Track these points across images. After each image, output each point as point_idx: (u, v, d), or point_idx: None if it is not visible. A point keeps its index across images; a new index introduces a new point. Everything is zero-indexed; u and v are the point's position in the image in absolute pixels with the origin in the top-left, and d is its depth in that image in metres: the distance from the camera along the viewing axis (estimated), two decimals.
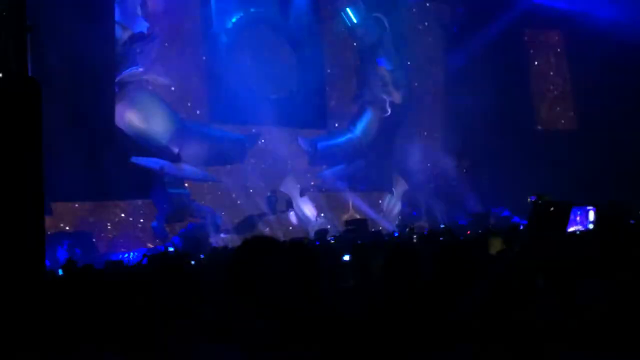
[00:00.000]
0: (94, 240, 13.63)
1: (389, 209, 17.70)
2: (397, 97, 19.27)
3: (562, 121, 22.16)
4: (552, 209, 1.21)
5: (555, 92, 22.27)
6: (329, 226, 16.21)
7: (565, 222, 1.22)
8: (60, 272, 5.41)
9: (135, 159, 14.43)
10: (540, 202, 1.22)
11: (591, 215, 1.19)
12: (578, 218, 1.19)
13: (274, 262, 1.76)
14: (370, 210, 17.79)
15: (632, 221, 6.76)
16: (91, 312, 2.00)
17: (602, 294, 1.14)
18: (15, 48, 2.66)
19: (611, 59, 19.88)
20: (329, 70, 18.91)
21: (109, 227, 14.30)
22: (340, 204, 17.75)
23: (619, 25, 17.43)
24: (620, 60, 19.94)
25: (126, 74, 14.36)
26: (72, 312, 2.06)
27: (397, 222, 17.14)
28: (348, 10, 19.06)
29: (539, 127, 21.55)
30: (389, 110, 19.13)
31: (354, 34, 19.30)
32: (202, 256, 9.25)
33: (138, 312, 1.53)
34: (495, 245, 4.67)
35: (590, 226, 1.18)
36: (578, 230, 1.19)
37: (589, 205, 1.21)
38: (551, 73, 22.31)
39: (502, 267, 1.26)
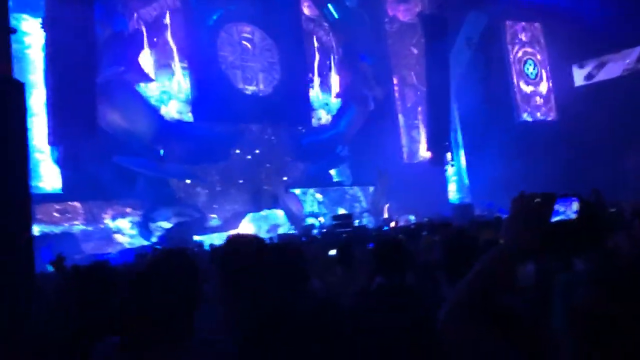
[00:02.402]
0: (78, 240, 13.52)
1: (375, 203, 17.79)
2: (379, 92, 19.37)
3: (543, 113, 22.44)
4: (536, 200, 1.27)
5: (534, 84, 22.54)
6: (315, 221, 16.27)
7: (549, 213, 1.28)
8: (50, 268, 5.34)
9: (119, 159, 14.33)
10: (523, 193, 1.27)
11: (575, 206, 1.23)
12: (562, 209, 1.23)
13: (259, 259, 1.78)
14: (356, 205, 17.87)
15: (612, 210, 6.92)
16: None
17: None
18: None
19: (591, 52, 20.24)
20: (312, 66, 18.94)
21: (93, 228, 14.20)
22: (326, 199, 17.81)
23: (600, 18, 17.69)
24: (601, 53, 20.32)
25: (107, 73, 14.23)
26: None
27: (382, 217, 17.24)
28: (330, 5, 19.08)
29: (520, 119, 21.81)
30: (372, 105, 19.22)
31: (336, 29, 19.33)
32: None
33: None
34: (484, 236, 4.78)
35: (573, 216, 1.22)
36: (561, 220, 1.24)
37: (573, 196, 1.25)
38: (531, 64, 22.56)
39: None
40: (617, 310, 0.94)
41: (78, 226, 13.95)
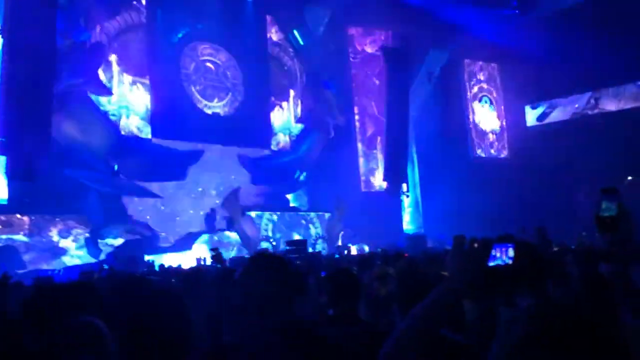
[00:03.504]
0: (20, 255, 13.00)
1: (330, 230, 17.85)
2: (340, 120, 19.63)
3: (496, 150, 23.18)
4: (475, 245, 1.35)
5: (489, 122, 23.30)
6: (269, 246, 16.16)
7: (486, 257, 1.36)
8: None
9: (71, 172, 13.95)
10: (463, 237, 1.35)
11: (510, 252, 1.32)
12: (498, 254, 1.32)
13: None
14: (311, 231, 17.88)
15: (555, 249, 7.15)
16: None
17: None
18: None
19: (544, 94, 21.15)
20: (274, 90, 19.03)
21: (38, 241, 13.69)
22: (282, 224, 17.75)
23: (553, 63, 18.57)
24: (553, 96, 21.25)
25: (66, 84, 13.94)
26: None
27: (337, 244, 17.29)
28: (295, 32, 19.32)
29: (474, 155, 22.44)
30: (333, 133, 19.44)
31: (300, 56, 19.56)
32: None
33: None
34: (435, 269, 4.88)
35: (509, 261, 1.31)
36: (497, 264, 1.32)
37: (509, 242, 1.34)
38: (487, 102, 23.35)
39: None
40: (548, 348, 1.01)
41: (21, 238, 13.42)
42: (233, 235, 16.22)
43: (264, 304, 1.70)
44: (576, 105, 21.42)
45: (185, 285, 4.14)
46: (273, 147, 18.79)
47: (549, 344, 1.01)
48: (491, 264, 1.38)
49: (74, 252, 14.07)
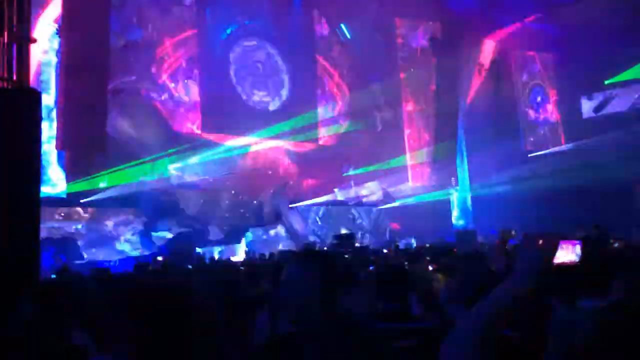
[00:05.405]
0: (79, 247, 13.51)
1: (377, 224, 17.76)
2: (388, 114, 19.44)
3: (549, 142, 22.44)
4: (540, 241, 1.29)
5: (542, 114, 22.59)
6: (316, 239, 16.22)
7: (553, 255, 1.30)
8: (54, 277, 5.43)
9: (125, 166, 14.40)
10: (529, 234, 1.30)
11: (578, 249, 1.26)
12: (565, 252, 1.27)
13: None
14: (357, 225, 17.84)
15: (616, 244, 6.87)
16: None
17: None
18: (18, 59, 2.71)
19: (600, 84, 20.31)
20: (321, 84, 19.04)
21: (95, 235, 14.21)
22: (329, 217, 17.79)
23: (608, 48, 17.81)
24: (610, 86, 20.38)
25: (119, 81, 14.38)
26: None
27: (385, 238, 17.20)
28: (343, 25, 19.25)
29: (526, 147, 21.81)
30: (380, 127, 19.29)
31: (347, 50, 19.47)
32: (189, 266, 9.21)
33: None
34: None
35: (576, 259, 1.26)
36: (564, 262, 1.27)
37: (576, 239, 1.29)
38: (539, 94, 22.63)
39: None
40: (612, 355, 0.96)
41: (80, 231, 13.97)
42: (281, 229, 16.37)
43: (309, 298, 1.72)
44: (635, 96, 20.46)
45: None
46: (320, 141, 18.82)
47: (616, 347, 0.96)
48: (557, 261, 1.32)
49: (130, 243, 14.54)
